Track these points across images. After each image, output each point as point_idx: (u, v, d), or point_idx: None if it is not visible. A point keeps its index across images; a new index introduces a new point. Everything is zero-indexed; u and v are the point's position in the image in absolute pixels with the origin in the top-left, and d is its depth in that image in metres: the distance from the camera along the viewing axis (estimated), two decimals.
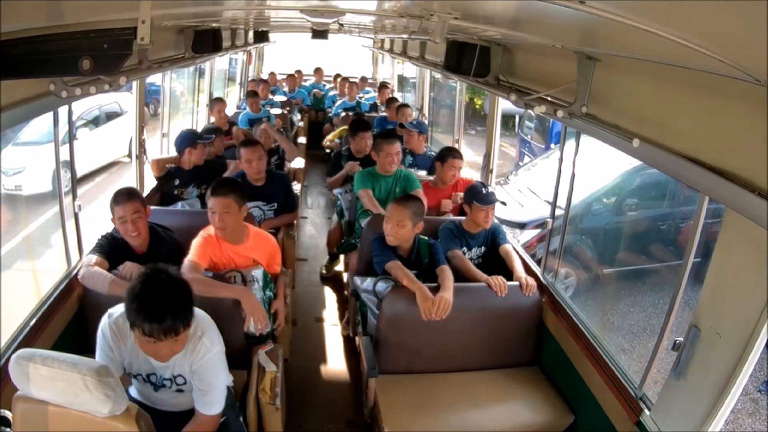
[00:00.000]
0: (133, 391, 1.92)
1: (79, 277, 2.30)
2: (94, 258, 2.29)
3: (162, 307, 1.53)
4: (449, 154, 3.43)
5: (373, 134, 4.05)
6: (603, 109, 1.87)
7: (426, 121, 6.04)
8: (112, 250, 2.37)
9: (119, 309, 1.71)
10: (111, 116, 8.28)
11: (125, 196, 2.35)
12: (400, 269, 2.45)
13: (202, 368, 1.74)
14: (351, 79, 8.18)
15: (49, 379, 1.46)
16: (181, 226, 2.67)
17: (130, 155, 6.95)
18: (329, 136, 6.06)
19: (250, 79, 8.17)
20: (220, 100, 5.15)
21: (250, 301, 2.21)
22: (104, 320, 1.75)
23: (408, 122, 4.58)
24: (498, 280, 2.53)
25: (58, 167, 2.49)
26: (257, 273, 2.35)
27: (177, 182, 3.46)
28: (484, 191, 2.81)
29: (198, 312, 1.72)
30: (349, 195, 3.80)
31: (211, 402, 1.79)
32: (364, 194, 3.34)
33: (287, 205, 3.38)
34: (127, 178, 5.58)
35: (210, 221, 2.34)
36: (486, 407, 2.33)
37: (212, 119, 5.17)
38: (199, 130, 4.92)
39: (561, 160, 2.74)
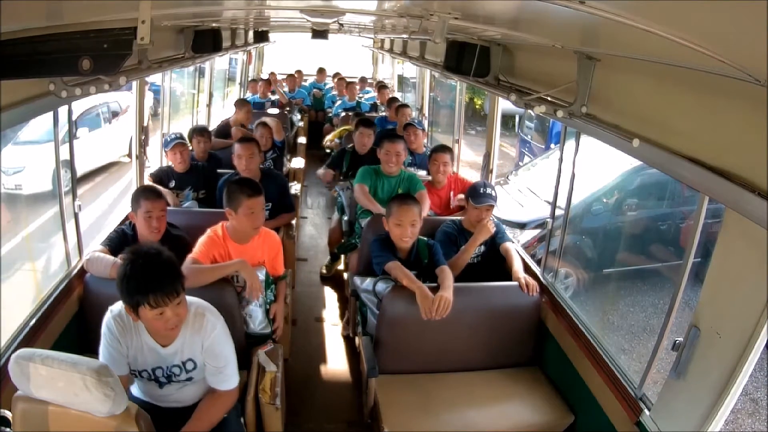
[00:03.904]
0: (135, 389, 1.93)
1: (83, 263, 2.38)
2: (100, 248, 2.39)
3: (155, 273, 1.62)
4: (433, 150, 3.58)
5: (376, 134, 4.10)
6: (603, 109, 1.87)
7: (426, 121, 6.05)
8: (120, 245, 2.42)
9: (120, 304, 1.75)
10: (114, 115, 8.29)
11: (155, 194, 2.47)
12: (400, 269, 2.45)
13: (214, 343, 1.79)
14: (348, 79, 8.18)
15: (48, 378, 1.46)
16: (185, 226, 2.69)
17: (130, 155, 6.95)
18: (329, 136, 6.07)
19: (250, 79, 8.17)
20: (246, 103, 5.35)
21: (248, 270, 2.29)
22: (107, 316, 1.78)
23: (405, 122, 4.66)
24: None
25: (58, 167, 2.49)
26: (260, 274, 2.35)
27: (172, 184, 3.46)
28: (481, 191, 2.81)
29: (191, 297, 1.81)
30: (350, 192, 3.81)
31: (229, 376, 1.84)
32: (359, 188, 3.35)
33: (284, 206, 3.39)
34: (126, 179, 5.59)
35: (246, 222, 2.36)
36: (486, 407, 2.33)
37: (213, 118, 5.20)
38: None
39: (561, 160, 2.74)
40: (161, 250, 1.70)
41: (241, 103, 5.31)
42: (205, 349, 1.79)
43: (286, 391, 2.40)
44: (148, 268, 1.62)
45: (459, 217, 3.02)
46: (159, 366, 1.81)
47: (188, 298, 1.78)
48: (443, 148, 3.57)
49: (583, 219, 5.04)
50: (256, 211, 2.35)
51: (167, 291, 1.62)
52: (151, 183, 3.34)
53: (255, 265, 2.37)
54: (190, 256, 2.29)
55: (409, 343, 2.45)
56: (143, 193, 2.45)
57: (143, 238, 2.44)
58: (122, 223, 2.75)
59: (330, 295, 4.01)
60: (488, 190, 2.81)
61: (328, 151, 6.44)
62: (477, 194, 2.79)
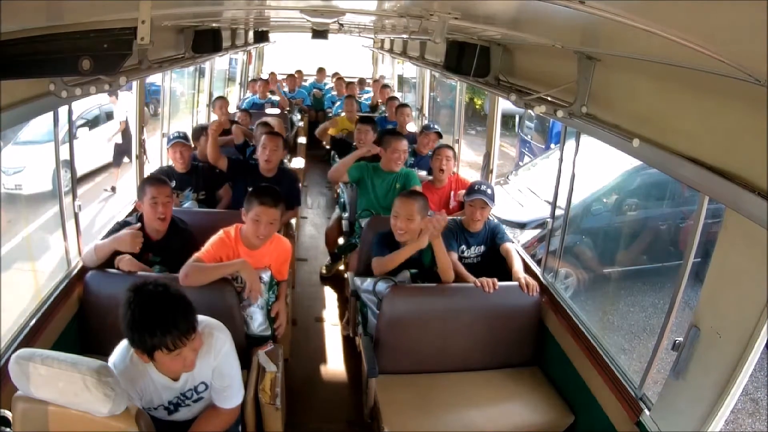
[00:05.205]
0: None
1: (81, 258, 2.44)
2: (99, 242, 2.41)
3: (169, 313, 1.53)
4: (436, 147, 3.67)
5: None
6: (603, 109, 1.87)
7: (426, 122, 6.07)
8: None
9: (117, 354, 1.69)
10: (111, 116, 8.29)
11: (160, 180, 2.51)
12: (390, 256, 2.48)
13: (222, 362, 1.76)
14: (348, 80, 8.19)
15: (48, 378, 1.46)
16: (191, 226, 2.69)
17: (130, 155, 6.94)
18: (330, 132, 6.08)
19: (250, 79, 8.16)
20: (222, 98, 5.21)
21: (249, 271, 2.26)
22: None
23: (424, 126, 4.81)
24: (485, 281, 2.53)
25: (58, 167, 2.50)
26: (265, 275, 2.34)
27: (173, 184, 3.46)
28: (474, 187, 2.84)
29: (199, 316, 1.72)
30: (352, 191, 3.82)
31: (233, 395, 1.82)
32: (340, 163, 3.50)
33: (290, 200, 3.38)
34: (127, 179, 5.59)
35: (250, 228, 2.30)
36: (486, 407, 2.33)
37: (212, 118, 5.17)
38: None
39: (561, 160, 2.74)
40: (167, 284, 1.59)
41: (214, 101, 5.17)
42: (214, 368, 1.75)
43: (286, 391, 2.40)
44: (160, 309, 1.52)
45: (459, 216, 3.02)
46: (174, 395, 1.78)
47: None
48: (444, 145, 3.64)
49: (584, 219, 5.05)
50: (261, 220, 2.27)
51: (184, 330, 1.54)
52: None
53: (259, 268, 2.35)
54: (195, 255, 2.28)
55: (409, 343, 2.45)
56: (149, 180, 2.52)
57: (149, 226, 2.46)
58: (129, 215, 2.78)
59: (330, 295, 4.00)
60: (482, 188, 2.83)
61: (327, 148, 6.45)
62: (470, 190, 2.85)
